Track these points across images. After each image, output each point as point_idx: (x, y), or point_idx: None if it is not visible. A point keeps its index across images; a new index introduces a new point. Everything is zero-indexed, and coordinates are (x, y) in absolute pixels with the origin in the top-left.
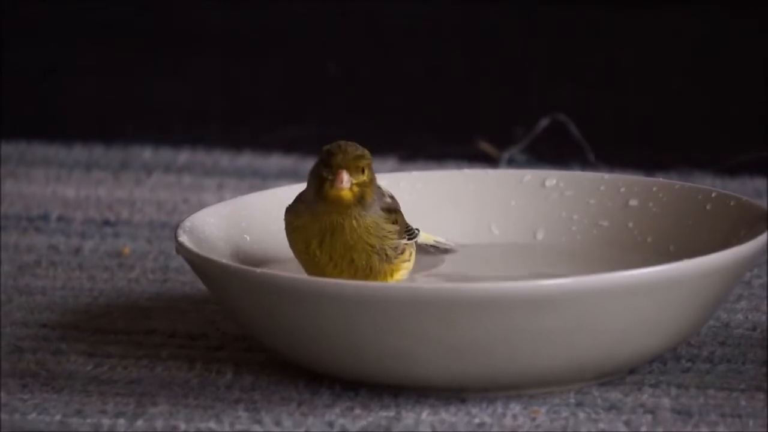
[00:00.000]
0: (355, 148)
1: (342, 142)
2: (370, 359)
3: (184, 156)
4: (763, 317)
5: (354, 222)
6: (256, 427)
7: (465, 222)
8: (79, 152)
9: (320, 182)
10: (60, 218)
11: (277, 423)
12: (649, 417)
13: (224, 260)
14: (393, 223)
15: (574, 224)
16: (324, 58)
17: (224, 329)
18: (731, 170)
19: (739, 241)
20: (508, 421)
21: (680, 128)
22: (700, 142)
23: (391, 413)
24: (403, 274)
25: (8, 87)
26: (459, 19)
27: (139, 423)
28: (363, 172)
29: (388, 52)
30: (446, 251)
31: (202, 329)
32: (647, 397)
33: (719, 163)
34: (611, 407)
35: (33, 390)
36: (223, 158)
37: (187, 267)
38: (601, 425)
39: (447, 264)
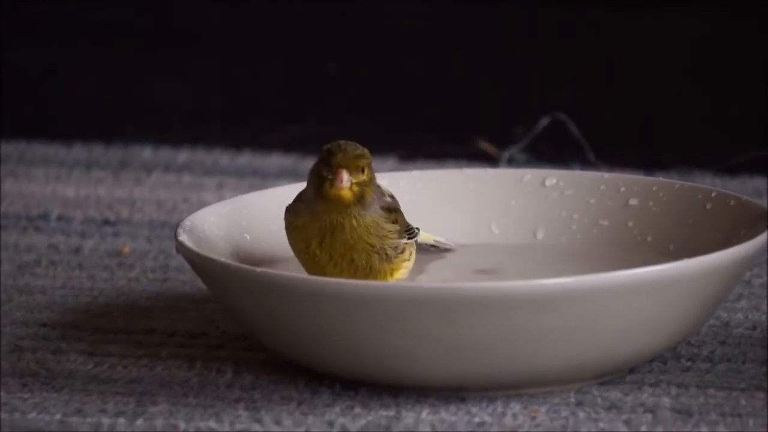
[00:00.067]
0: (355, 148)
1: (342, 142)
2: (370, 358)
3: (183, 155)
4: (763, 316)
5: (354, 221)
6: (256, 426)
7: (465, 221)
8: (78, 152)
9: (320, 181)
10: (60, 217)
11: (277, 422)
12: (649, 416)
13: (224, 259)
14: (393, 223)
15: (574, 223)
16: (324, 58)
17: (224, 328)
18: (731, 170)
19: (739, 240)
20: (508, 420)
21: (680, 128)
22: (700, 142)
23: (391, 412)
24: (403, 273)
25: (8, 87)
26: (459, 19)
27: (139, 422)
28: (363, 171)
29: (388, 52)
30: (446, 251)
31: (202, 328)
32: (647, 397)
33: (719, 163)
34: (611, 406)
35: (33, 389)
36: (223, 157)
37: (187, 266)
38: (601, 424)
39: (447, 264)
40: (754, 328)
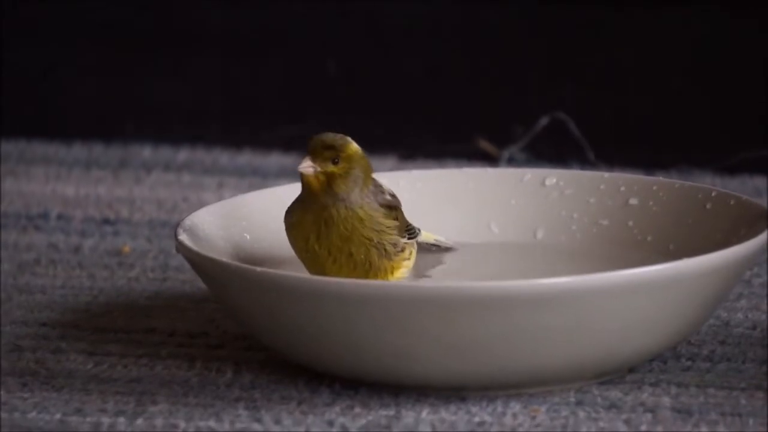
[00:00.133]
0: (333, 138)
1: (328, 133)
2: (370, 358)
3: (183, 154)
4: (763, 316)
5: (340, 212)
6: (256, 426)
7: (465, 221)
8: (78, 151)
9: None
10: (60, 217)
11: (277, 421)
12: (649, 416)
13: (224, 259)
14: (393, 219)
15: (574, 223)
16: (324, 58)
17: (224, 328)
18: (731, 169)
19: (739, 240)
20: (508, 419)
21: (680, 128)
22: (699, 142)
23: (391, 412)
24: (403, 272)
25: (8, 86)
26: (459, 19)
27: (139, 421)
28: (334, 163)
29: (388, 52)
30: (447, 250)
31: (202, 328)
32: (647, 396)
33: (719, 162)
34: (611, 406)
35: (33, 388)
36: (223, 157)
37: (187, 266)
38: (601, 424)
39: (447, 263)
40: (754, 328)
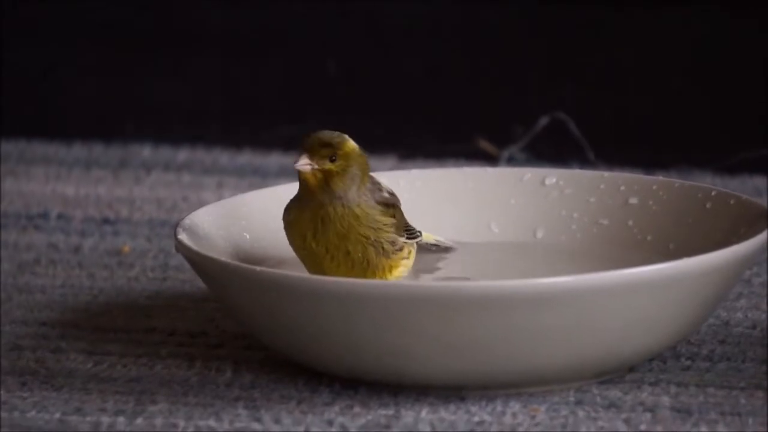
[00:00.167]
0: (330, 136)
1: (325, 131)
2: (370, 357)
3: (183, 154)
4: (763, 315)
5: (337, 209)
6: (256, 425)
7: (464, 220)
8: (78, 150)
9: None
10: (60, 216)
11: (277, 421)
12: (648, 415)
13: (224, 258)
14: (390, 217)
15: (574, 223)
16: (324, 58)
17: (224, 327)
18: (731, 169)
19: (739, 239)
20: (507, 419)
21: (680, 128)
22: (699, 141)
23: (391, 411)
24: (401, 271)
25: (8, 86)
26: (459, 19)
27: (139, 421)
28: (331, 160)
29: (388, 52)
30: (447, 250)
31: (202, 327)
32: (647, 396)
33: (719, 162)
34: (611, 405)
35: (32, 388)
36: (223, 156)
37: (187, 265)
38: (601, 423)
39: (447, 263)
40: (753, 327)
